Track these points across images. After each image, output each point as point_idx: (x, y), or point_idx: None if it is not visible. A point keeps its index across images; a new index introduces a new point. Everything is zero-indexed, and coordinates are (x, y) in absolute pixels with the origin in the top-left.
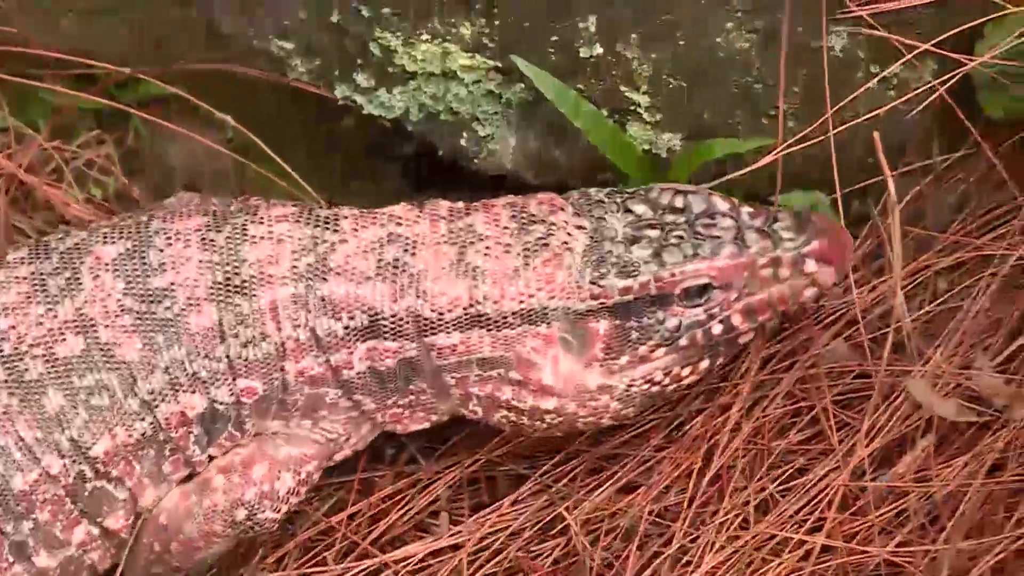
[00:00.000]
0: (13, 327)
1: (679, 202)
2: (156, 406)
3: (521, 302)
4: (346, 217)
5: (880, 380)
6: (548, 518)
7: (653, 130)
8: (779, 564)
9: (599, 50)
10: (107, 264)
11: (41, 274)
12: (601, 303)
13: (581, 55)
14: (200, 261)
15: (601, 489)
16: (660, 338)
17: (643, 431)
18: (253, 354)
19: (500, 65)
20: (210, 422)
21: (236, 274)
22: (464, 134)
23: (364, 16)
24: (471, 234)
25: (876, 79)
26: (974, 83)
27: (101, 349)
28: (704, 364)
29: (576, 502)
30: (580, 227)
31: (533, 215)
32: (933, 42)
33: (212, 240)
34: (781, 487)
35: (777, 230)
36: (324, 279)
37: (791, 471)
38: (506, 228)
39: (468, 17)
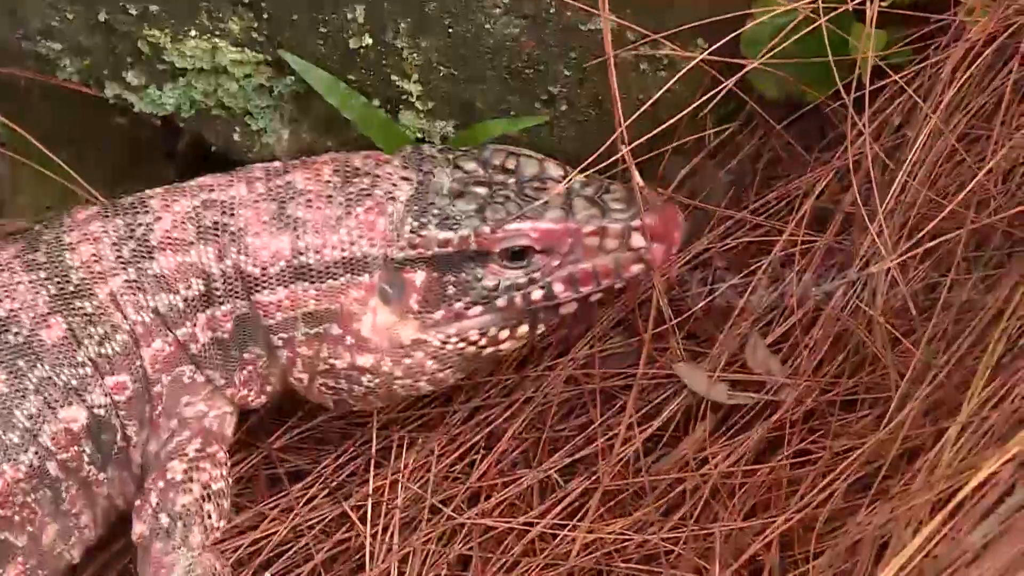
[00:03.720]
0: None
1: (511, 163)
2: (38, 430)
3: (343, 251)
4: (152, 197)
5: (646, 350)
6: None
7: (426, 118)
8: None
9: (368, 40)
10: None
11: None
12: (419, 253)
13: (351, 46)
14: (30, 282)
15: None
16: (477, 295)
17: (426, 421)
18: (111, 348)
19: (270, 59)
20: (97, 433)
21: (68, 281)
22: (237, 128)
23: (132, 14)
24: (291, 190)
25: (646, 61)
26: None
27: None
28: (522, 329)
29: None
30: (406, 179)
31: (357, 168)
32: (702, 22)
33: (33, 259)
34: (561, 471)
35: (607, 201)
36: (152, 258)
37: (571, 450)
38: (328, 182)
39: (236, 12)
